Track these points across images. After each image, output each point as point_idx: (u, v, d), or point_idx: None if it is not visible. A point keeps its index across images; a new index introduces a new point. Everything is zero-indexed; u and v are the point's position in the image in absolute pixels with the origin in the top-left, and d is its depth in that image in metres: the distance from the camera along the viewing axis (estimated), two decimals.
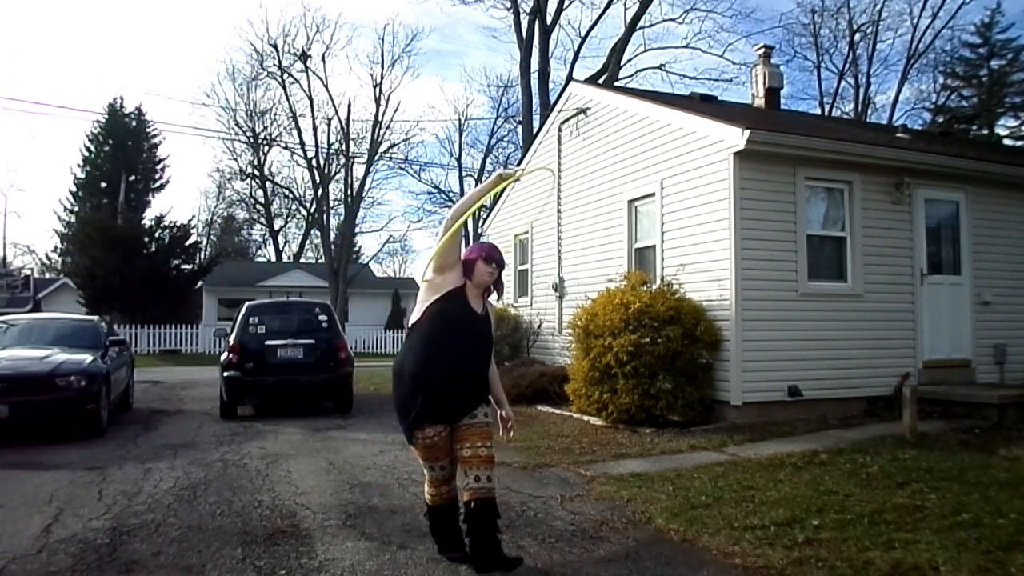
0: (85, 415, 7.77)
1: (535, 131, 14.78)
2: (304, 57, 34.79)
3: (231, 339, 9.91)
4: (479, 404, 3.76)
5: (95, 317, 12.16)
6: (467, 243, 39.61)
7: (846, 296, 8.44)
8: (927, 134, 16.30)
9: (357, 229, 39.30)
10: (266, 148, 40.99)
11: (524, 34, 24.65)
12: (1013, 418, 7.60)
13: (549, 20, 24.75)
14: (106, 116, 40.05)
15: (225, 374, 9.47)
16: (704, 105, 10.83)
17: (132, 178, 37.81)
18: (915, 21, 28.65)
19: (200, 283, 30.35)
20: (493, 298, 4.01)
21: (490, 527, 3.63)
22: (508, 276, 13.34)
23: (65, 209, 41.14)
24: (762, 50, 12.60)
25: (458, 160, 40.38)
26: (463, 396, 3.69)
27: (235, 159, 42.97)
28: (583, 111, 11.18)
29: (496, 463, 6.14)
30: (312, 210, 41.34)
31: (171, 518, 4.71)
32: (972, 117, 28.86)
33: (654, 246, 9.22)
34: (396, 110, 54.50)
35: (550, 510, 4.84)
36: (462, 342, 3.66)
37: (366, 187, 36.69)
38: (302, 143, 36.57)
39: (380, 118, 36.10)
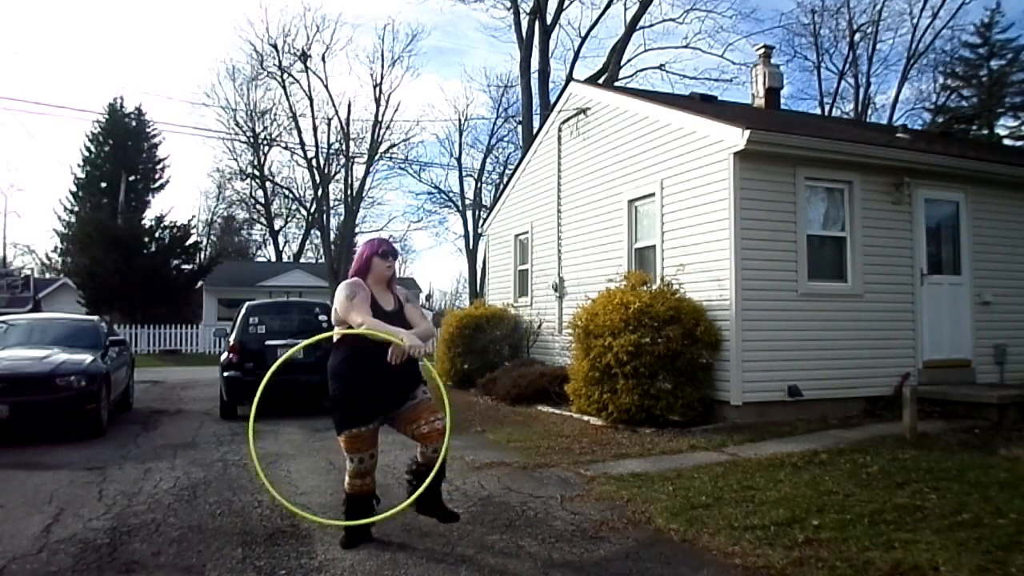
0: (85, 415, 7.77)
1: (535, 131, 14.77)
2: (304, 57, 34.88)
3: (231, 339, 9.91)
4: (409, 391, 4.10)
5: (95, 317, 12.14)
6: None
7: (846, 296, 8.44)
8: (927, 134, 16.29)
9: (357, 229, 39.34)
10: (266, 148, 41.08)
11: (524, 34, 24.62)
12: (1013, 418, 7.60)
13: (549, 20, 24.72)
14: (106, 116, 40.12)
15: (225, 374, 9.47)
16: (704, 105, 10.83)
17: (132, 178, 37.85)
18: (915, 21, 28.67)
19: (200, 283, 30.37)
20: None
21: (436, 480, 4.07)
22: (508, 276, 13.48)
23: (65, 209, 41.30)
24: (762, 50, 12.60)
25: (458, 160, 40.52)
26: (389, 395, 4.04)
27: (235, 159, 43.13)
28: (583, 111, 11.18)
29: (496, 463, 6.22)
30: (312, 210, 41.39)
31: (171, 518, 4.71)
32: (972, 117, 28.81)
33: (654, 246, 9.22)
34: (396, 110, 54.78)
35: (550, 510, 4.84)
36: (384, 350, 3.85)
37: (366, 187, 36.85)
38: (302, 143, 36.67)
39: (380, 118, 36.26)
